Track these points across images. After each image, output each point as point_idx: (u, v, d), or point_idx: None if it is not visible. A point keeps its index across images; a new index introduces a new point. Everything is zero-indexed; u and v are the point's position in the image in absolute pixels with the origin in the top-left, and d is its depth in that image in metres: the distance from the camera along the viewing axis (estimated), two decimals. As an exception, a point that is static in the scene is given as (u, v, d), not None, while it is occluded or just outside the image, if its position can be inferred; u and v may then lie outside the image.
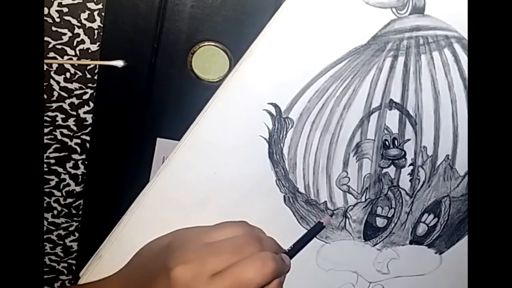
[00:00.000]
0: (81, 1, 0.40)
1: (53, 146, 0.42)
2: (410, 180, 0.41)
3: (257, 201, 0.41)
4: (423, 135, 0.40)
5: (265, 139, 0.39)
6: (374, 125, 0.39)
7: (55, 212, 0.44)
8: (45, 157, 0.42)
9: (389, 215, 0.42)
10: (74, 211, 0.44)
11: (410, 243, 0.44)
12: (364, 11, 0.37)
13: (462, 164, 0.41)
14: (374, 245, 0.44)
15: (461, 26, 0.38)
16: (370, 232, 0.43)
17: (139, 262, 0.39)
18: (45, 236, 0.44)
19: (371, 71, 0.38)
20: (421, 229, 0.43)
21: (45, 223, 0.44)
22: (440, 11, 0.38)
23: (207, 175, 0.40)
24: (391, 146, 0.40)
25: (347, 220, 0.42)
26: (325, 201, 0.41)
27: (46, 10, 0.40)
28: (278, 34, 0.37)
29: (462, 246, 0.44)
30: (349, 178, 0.41)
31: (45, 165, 0.42)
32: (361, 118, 0.39)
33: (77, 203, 0.44)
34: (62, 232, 0.45)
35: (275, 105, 0.39)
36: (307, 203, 0.41)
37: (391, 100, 0.39)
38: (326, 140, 0.40)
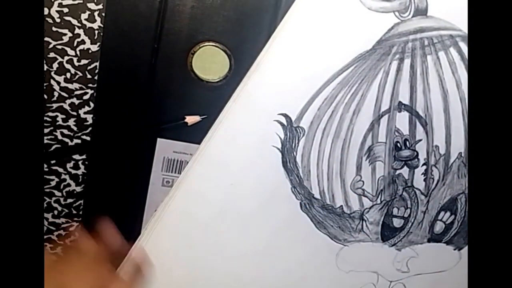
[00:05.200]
0: (82, 1, 0.40)
1: (54, 147, 0.42)
2: (424, 180, 0.42)
3: (274, 209, 0.42)
4: (434, 135, 0.40)
5: (278, 149, 0.40)
6: (384, 128, 0.40)
7: (56, 212, 0.44)
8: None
9: (406, 215, 0.43)
10: (74, 212, 0.44)
11: (429, 241, 0.44)
12: (367, 17, 0.38)
13: (475, 161, 0.41)
14: (393, 245, 0.44)
15: (465, 24, 0.38)
16: (387, 233, 0.43)
17: None
18: (45, 237, 0.44)
19: (378, 75, 0.39)
20: (439, 227, 0.44)
21: (46, 223, 0.44)
22: (443, 11, 0.38)
23: (223, 187, 0.41)
24: (403, 147, 0.40)
25: (364, 222, 0.43)
26: (341, 206, 0.42)
27: (46, 11, 0.40)
28: (284, 45, 0.38)
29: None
30: (363, 182, 0.41)
31: (45, 165, 0.42)
32: (371, 122, 0.40)
33: (77, 203, 0.44)
34: (63, 233, 0.45)
35: (286, 115, 0.39)
36: (324, 208, 0.42)
37: (400, 102, 0.39)
38: (338, 146, 0.40)
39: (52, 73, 0.42)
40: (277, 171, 0.41)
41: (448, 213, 0.43)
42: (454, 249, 0.45)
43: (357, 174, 0.41)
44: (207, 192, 0.41)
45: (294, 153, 0.40)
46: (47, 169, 0.42)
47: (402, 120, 0.40)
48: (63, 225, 0.44)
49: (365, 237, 0.44)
